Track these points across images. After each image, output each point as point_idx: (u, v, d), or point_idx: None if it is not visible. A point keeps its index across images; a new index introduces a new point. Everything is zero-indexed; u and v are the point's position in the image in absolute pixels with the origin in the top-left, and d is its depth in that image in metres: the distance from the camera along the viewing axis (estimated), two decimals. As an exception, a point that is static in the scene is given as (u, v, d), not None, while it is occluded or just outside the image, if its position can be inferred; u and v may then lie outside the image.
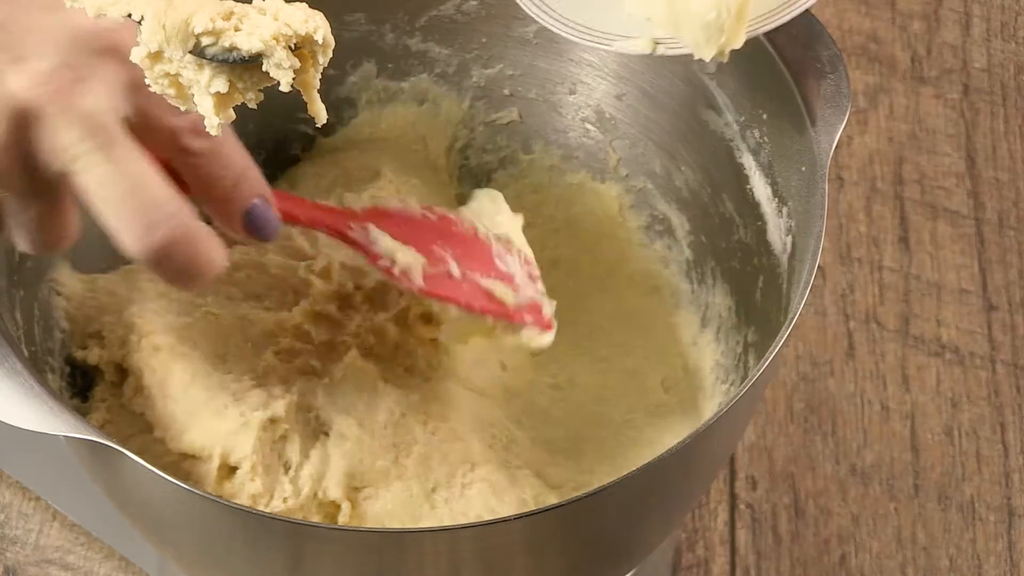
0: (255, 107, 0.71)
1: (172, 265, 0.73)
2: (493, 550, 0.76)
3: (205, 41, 0.69)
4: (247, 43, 0.68)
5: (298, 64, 0.69)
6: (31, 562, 0.98)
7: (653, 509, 0.80)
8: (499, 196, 0.92)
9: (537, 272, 0.90)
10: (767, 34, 0.82)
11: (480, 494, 0.85)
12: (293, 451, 0.84)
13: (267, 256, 0.92)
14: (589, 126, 0.99)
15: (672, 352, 0.95)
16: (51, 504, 1.00)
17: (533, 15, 0.84)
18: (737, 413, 0.79)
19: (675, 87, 0.94)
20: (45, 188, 0.72)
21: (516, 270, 0.88)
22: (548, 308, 0.89)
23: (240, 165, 0.78)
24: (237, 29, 0.69)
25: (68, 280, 0.89)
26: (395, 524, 0.83)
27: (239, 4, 0.70)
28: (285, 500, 0.83)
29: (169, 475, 0.72)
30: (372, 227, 0.86)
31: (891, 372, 1.07)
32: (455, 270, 0.86)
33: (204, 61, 0.69)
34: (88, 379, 0.89)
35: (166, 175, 0.73)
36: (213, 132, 0.70)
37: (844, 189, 1.14)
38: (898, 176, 1.15)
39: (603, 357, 0.96)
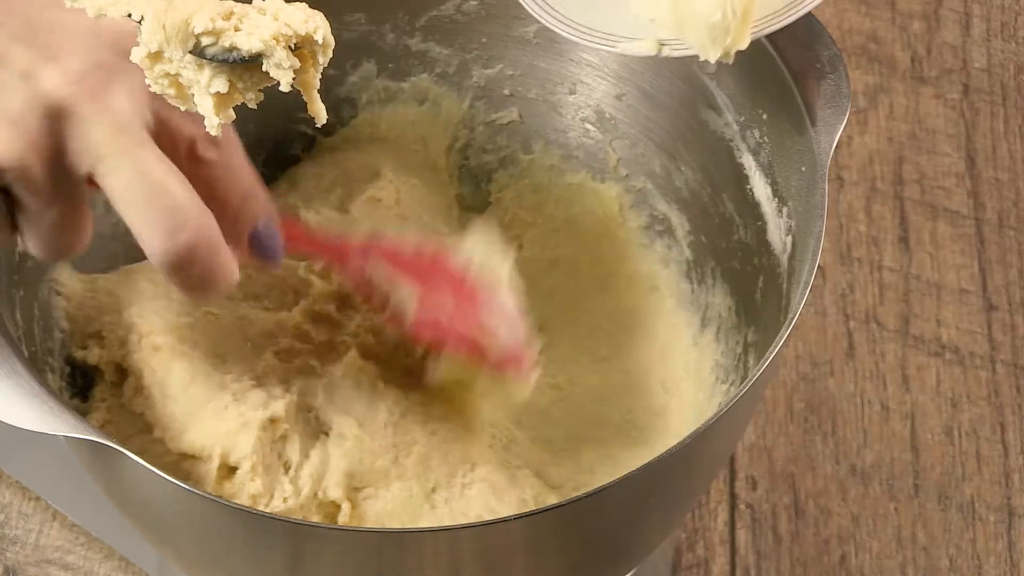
0: (255, 107, 0.71)
1: (193, 271, 0.73)
2: (493, 550, 0.76)
3: (205, 41, 0.69)
4: (247, 43, 0.68)
5: (298, 64, 0.69)
6: (31, 562, 0.98)
7: (653, 509, 0.80)
8: (492, 230, 0.92)
9: (521, 315, 0.89)
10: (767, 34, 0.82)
11: (480, 494, 0.85)
12: (293, 451, 0.84)
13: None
14: (589, 126, 0.99)
15: (672, 352, 0.95)
16: (51, 504, 1.00)
17: (538, 17, 0.84)
18: (737, 413, 0.79)
19: (675, 87, 0.94)
20: (68, 191, 0.72)
21: (500, 316, 0.89)
22: (530, 351, 0.88)
23: (248, 182, 0.78)
24: (237, 29, 0.69)
25: (68, 280, 0.89)
26: (395, 524, 0.83)
27: (239, 4, 0.70)
28: (285, 500, 0.83)
29: (169, 475, 0.72)
30: (373, 258, 0.86)
31: (891, 372, 1.07)
32: (444, 312, 0.86)
33: (204, 61, 0.69)
34: (88, 379, 0.89)
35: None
36: (213, 132, 0.70)
37: (844, 189, 1.14)
38: (898, 176, 1.15)
39: (603, 357, 0.96)
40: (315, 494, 0.83)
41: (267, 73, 0.69)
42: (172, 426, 0.84)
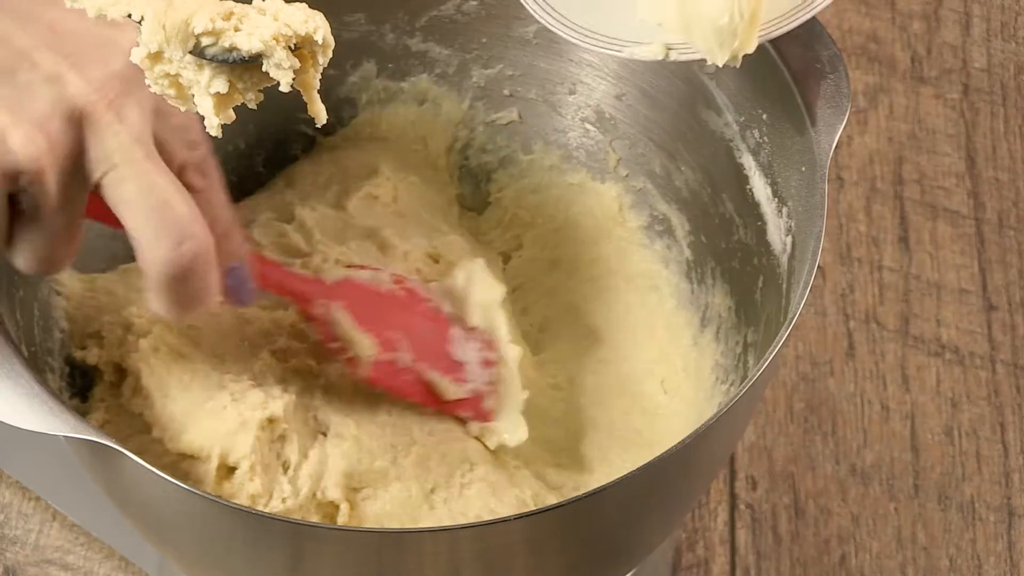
0: (255, 107, 0.71)
1: (189, 284, 0.74)
2: (493, 550, 0.76)
3: (205, 41, 0.69)
4: (247, 43, 0.68)
5: (298, 64, 0.69)
6: (31, 562, 0.98)
7: (653, 509, 0.80)
8: (481, 266, 0.92)
9: (495, 356, 0.90)
10: (767, 35, 0.82)
11: (479, 494, 0.85)
12: (292, 451, 0.84)
13: (264, 253, 0.92)
14: (589, 126, 0.99)
15: (672, 352, 0.95)
16: (51, 504, 1.00)
17: (540, 19, 0.84)
18: (737, 413, 0.79)
19: (675, 87, 0.94)
20: (75, 198, 0.74)
21: (471, 356, 0.89)
22: (491, 401, 0.89)
23: (227, 220, 0.80)
24: (237, 29, 0.69)
25: (68, 280, 0.89)
26: (394, 524, 0.83)
27: (239, 4, 0.70)
28: (284, 500, 0.83)
29: (168, 475, 0.72)
30: (336, 307, 0.87)
31: (891, 372, 1.07)
32: (404, 358, 0.88)
33: (204, 61, 0.69)
34: (88, 379, 0.89)
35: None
36: (213, 132, 0.70)
37: (844, 189, 1.14)
38: (898, 176, 1.15)
39: (602, 357, 0.96)
40: (314, 494, 0.83)
41: (267, 73, 0.69)
42: (171, 426, 0.84)
